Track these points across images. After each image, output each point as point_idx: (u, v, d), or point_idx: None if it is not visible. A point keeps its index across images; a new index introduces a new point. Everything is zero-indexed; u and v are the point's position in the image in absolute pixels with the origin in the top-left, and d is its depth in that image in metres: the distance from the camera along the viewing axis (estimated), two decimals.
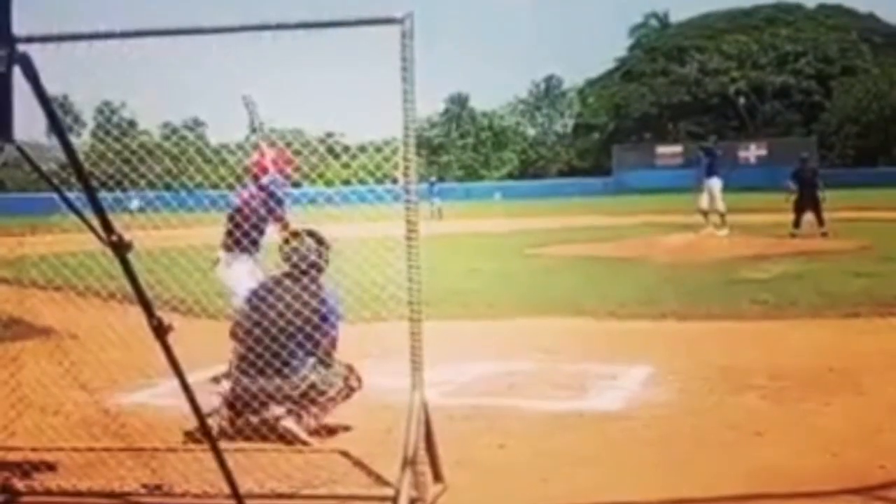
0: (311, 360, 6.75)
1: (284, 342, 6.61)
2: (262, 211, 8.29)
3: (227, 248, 8.51)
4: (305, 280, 6.90)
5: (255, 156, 8.49)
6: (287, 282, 6.89)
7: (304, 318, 6.65)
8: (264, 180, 8.35)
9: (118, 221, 5.16)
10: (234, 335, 6.99)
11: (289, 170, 8.25)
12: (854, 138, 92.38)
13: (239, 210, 8.28)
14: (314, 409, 6.72)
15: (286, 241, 7.17)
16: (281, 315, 6.65)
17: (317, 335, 6.68)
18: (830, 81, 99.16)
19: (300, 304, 6.68)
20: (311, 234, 7.10)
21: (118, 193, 6.21)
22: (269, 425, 6.55)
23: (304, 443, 6.53)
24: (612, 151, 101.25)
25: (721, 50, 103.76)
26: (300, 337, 6.63)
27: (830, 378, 8.39)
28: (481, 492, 5.58)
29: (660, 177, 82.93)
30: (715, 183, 26.44)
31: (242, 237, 8.07)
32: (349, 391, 6.82)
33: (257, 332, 6.72)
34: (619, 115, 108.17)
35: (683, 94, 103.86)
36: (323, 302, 6.85)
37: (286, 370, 6.67)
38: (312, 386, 6.67)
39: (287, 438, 6.50)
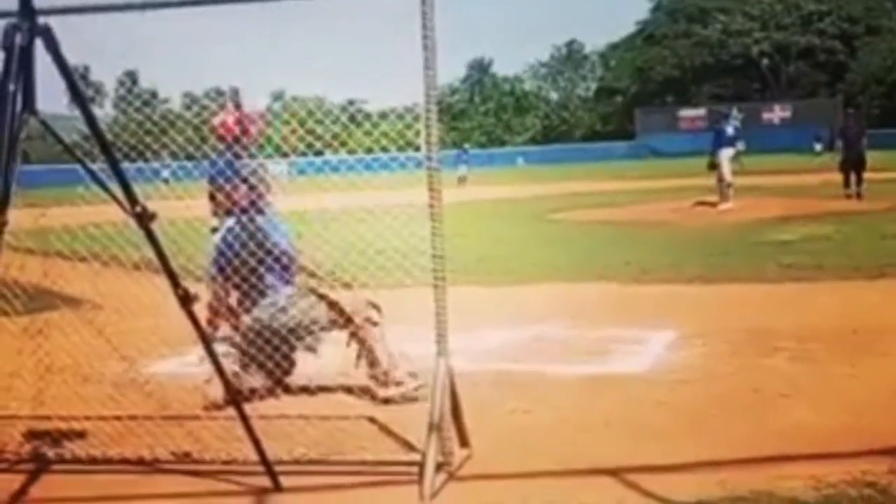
0: (288, 290, 6.98)
1: (260, 274, 6.83)
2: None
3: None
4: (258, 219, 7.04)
5: (225, 116, 7.61)
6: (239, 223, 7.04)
7: (265, 252, 6.82)
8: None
9: (149, 190, 5.19)
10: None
11: (253, 130, 7.60)
12: (880, 98, 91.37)
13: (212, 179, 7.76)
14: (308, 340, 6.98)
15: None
16: (251, 253, 6.80)
17: (289, 265, 6.93)
18: (855, 41, 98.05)
19: (255, 244, 6.82)
20: (244, 180, 7.17)
21: (146, 163, 6.23)
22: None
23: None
24: (634, 115, 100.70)
25: (744, 11, 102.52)
26: (276, 268, 6.85)
27: (858, 340, 8.34)
28: (507, 457, 5.59)
29: (683, 140, 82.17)
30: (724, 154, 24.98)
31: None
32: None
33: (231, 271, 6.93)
34: (641, 79, 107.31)
35: (706, 57, 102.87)
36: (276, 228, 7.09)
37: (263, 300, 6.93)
38: (299, 324, 6.88)
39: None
